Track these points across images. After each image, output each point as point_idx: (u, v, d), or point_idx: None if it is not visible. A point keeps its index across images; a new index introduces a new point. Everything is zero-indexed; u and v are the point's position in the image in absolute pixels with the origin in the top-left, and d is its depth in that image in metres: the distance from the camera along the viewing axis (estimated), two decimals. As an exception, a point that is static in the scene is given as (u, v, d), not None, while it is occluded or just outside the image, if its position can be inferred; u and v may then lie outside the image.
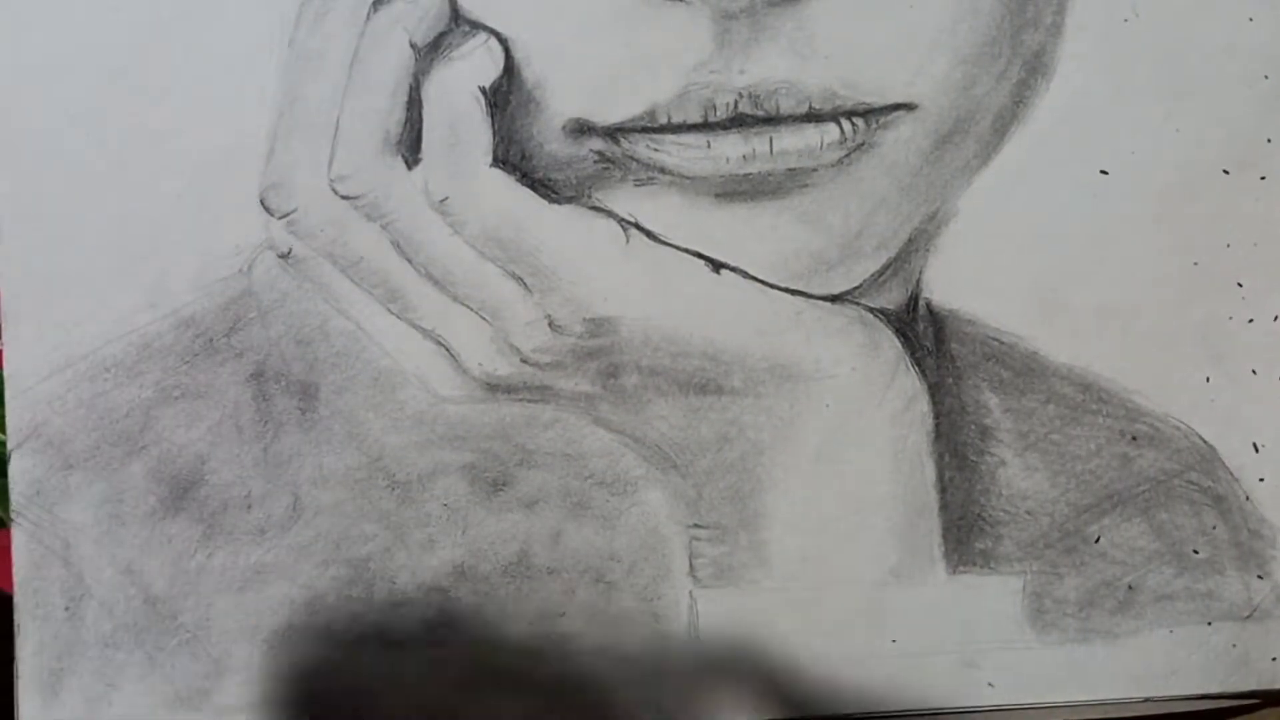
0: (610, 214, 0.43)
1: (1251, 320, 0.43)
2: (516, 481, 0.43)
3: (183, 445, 0.43)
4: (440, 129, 0.42)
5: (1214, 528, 0.43)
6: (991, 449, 0.43)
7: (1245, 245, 0.43)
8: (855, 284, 0.43)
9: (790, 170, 0.42)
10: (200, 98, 0.43)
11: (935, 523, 0.43)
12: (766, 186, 0.42)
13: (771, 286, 0.43)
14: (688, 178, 0.42)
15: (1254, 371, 0.43)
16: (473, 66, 0.42)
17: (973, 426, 0.43)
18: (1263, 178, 0.43)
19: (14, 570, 0.43)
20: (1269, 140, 0.43)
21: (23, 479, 0.43)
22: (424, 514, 0.43)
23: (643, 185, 0.42)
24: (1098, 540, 0.44)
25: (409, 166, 0.42)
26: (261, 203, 0.43)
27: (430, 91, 0.42)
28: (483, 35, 0.42)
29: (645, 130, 0.42)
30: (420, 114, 0.42)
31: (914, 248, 0.43)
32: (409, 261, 0.42)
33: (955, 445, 0.43)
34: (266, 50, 0.42)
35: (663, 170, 0.42)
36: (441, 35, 0.42)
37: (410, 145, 0.42)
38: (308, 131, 0.42)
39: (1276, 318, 0.43)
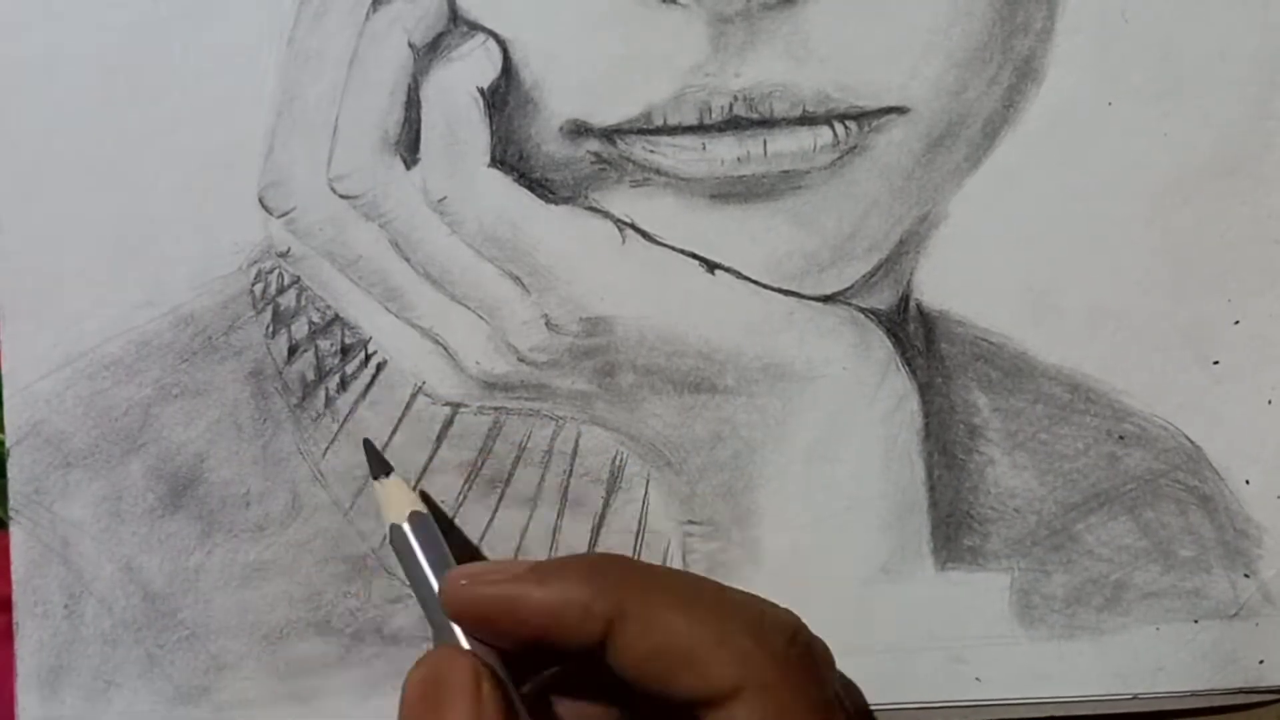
0: (606, 214, 0.43)
1: (1238, 322, 0.43)
2: (513, 479, 0.43)
3: (182, 443, 0.43)
4: (438, 129, 0.42)
5: (1200, 527, 0.44)
6: (980, 448, 0.44)
7: (1234, 248, 0.43)
8: (847, 285, 0.43)
9: (784, 172, 0.42)
10: (199, 96, 0.43)
11: (924, 520, 0.44)
12: (760, 188, 0.43)
13: (764, 287, 0.43)
14: (683, 179, 0.42)
15: (1241, 373, 0.44)
16: (471, 67, 0.42)
17: (962, 425, 0.44)
18: (1252, 181, 0.43)
19: (13, 568, 0.43)
20: (1258, 144, 0.43)
21: (21, 477, 0.43)
22: (421, 511, 0.43)
23: (639, 186, 0.43)
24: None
25: (407, 166, 0.42)
26: (260, 201, 0.43)
27: (429, 92, 0.42)
28: (481, 36, 0.42)
29: (641, 132, 0.42)
30: (419, 114, 0.42)
31: (905, 249, 0.43)
32: (407, 260, 0.43)
33: (944, 444, 0.44)
34: (265, 49, 0.42)
35: (658, 171, 0.42)
36: (440, 36, 0.42)
37: (409, 145, 0.42)
38: (306, 130, 0.42)
39: (1263, 320, 0.44)
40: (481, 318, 0.43)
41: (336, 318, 0.43)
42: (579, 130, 0.42)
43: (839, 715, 0.32)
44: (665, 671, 0.32)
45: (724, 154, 0.42)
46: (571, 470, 0.43)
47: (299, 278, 0.43)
